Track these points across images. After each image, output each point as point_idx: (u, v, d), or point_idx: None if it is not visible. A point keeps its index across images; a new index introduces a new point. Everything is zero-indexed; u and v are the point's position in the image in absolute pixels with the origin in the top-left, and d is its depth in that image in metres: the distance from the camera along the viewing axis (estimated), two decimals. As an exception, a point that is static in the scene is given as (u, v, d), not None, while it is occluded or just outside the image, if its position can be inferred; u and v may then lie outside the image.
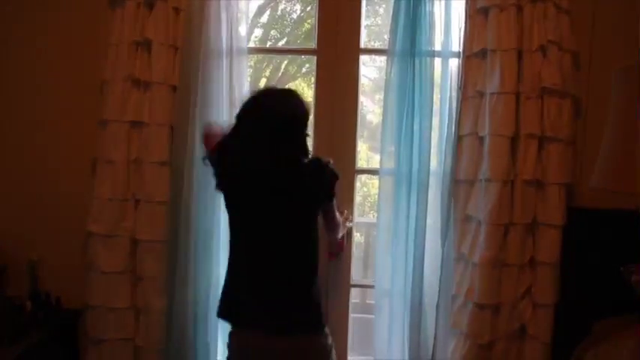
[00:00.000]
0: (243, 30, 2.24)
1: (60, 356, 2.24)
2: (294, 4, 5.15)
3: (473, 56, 2.06)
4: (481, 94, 2.05)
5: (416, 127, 2.08)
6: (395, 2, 2.09)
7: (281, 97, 1.73)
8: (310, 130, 1.89)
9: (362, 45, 2.27)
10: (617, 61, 1.54)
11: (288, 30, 5.40)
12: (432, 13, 2.07)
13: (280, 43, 5.37)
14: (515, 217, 2.02)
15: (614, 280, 1.78)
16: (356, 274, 3.33)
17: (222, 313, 1.80)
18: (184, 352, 2.18)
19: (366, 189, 4.91)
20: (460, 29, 2.08)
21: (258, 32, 5.17)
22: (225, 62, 2.16)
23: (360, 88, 2.30)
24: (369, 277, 3.92)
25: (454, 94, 2.09)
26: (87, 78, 2.22)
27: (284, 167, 1.66)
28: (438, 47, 2.09)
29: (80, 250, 2.23)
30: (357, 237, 4.09)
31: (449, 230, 2.11)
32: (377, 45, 4.25)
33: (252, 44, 3.32)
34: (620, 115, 1.48)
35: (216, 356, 2.26)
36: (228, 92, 2.17)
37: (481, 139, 2.06)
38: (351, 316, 2.41)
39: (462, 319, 2.09)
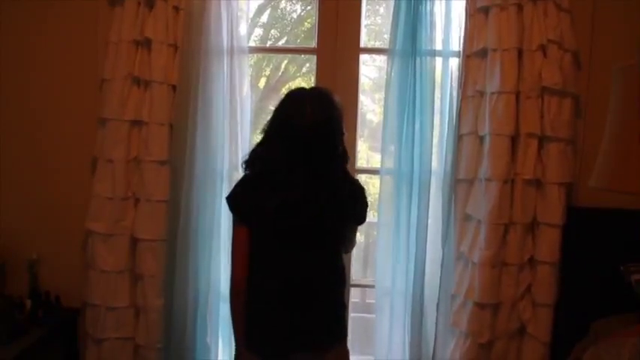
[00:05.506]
0: (243, 29, 2.24)
1: (59, 355, 2.24)
2: (295, 4, 5.13)
3: (473, 55, 2.06)
4: (481, 94, 2.05)
5: (416, 126, 2.08)
6: (395, 1, 2.09)
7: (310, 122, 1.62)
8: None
9: (362, 44, 2.27)
10: (618, 61, 1.53)
11: (288, 29, 5.38)
12: (432, 13, 2.07)
13: (280, 43, 5.35)
14: (515, 217, 2.02)
15: (613, 280, 1.78)
16: (356, 273, 3.32)
17: (259, 346, 1.69)
18: (184, 351, 2.18)
19: (366, 188, 4.90)
20: (460, 28, 2.09)
21: (258, 31, 5.15)
22: (225, 61, 2.16)
23: (360, 88, 2.30)
24: (368, 276, 3.91)
25: (454, 93, 2.09)
26: (87, 77, 2.22)
27: (328, 198, 1.67)
28: (438, 46, 2.09)
29: (80, 248, 2.23)
30: (357, 236, 4.06)
31: (449, 229, 2.10)
32: (377, 44, 4.22)
33: (252, 43, 3.29)
34: (619, 115, 1.48)
35: (216, 356, 2.26)
36: (229, 91, 2.17)
37: (481, 138, 2.06)
38: (351, 315, 2.41)
39: (462, 318, 2.09)
